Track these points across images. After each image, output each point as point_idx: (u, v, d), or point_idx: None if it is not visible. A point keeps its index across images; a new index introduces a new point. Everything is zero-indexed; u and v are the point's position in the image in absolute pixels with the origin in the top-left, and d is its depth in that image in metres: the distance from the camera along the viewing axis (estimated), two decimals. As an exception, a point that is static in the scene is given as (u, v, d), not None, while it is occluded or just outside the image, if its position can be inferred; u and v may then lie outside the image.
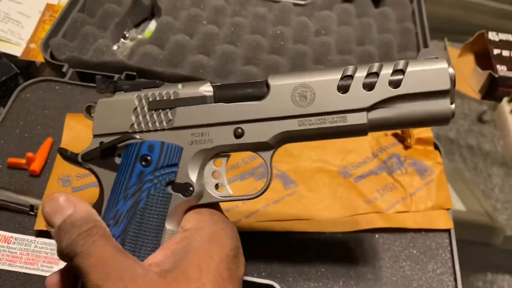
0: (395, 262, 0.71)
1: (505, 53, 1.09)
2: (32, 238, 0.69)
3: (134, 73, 0.88)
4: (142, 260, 0.43)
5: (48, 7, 1.10)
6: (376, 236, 0.73)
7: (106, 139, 0.47)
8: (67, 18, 0.99)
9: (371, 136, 0.83)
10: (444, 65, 0.44)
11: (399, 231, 0.74)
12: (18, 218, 0.70)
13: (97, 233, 0.41)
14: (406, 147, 0.81)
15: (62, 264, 0.66)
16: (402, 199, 0.76)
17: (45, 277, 0.64)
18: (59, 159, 0.76)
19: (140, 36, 1.05)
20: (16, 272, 0.66)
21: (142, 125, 0.46)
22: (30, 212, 0.70)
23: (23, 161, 0.75)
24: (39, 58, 1.00)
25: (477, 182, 1.02)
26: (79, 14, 1.00)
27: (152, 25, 1.07)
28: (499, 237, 0.96)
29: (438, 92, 0.44)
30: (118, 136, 0.47)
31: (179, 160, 0.46)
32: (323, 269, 0.69)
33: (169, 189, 0.45)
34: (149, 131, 0.46)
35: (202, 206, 0.47)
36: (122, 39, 1.03)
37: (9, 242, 0.68)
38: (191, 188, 0.45)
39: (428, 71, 0.44)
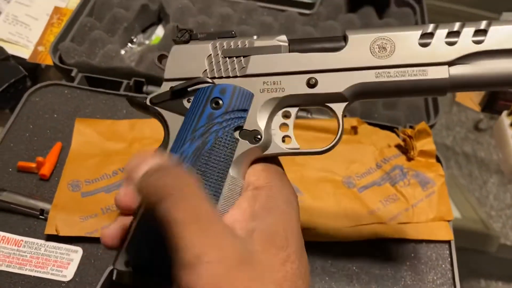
0: (397, 272, 0.73)
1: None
2: (42, 242, 0.70)
3: (143, 80, 0.89)
4: None
5: (56, 10, 1.11)
6: (379, 246, 0.75)
7: (176, 84, 0.47)
8: (76, 22, 1.00)
9: (375, 146, 0.84)
10: None
11: (401, 241, 0.75)
12: (28, 221, 0.72)
13: (192, 178, 0.36)
14: (409, 159, 0.83)
15: (72, 268, 0.68)
16: (404, 210, 0.77)
17: (55, 281, 0.66)
18: (68, 163, 0.77)
19: (147, 42, 1.06)
20: (26, 275, 0.67)
21: (215, 71, 0.46)
22: (40, 216, 0.71)
23: (33, 165, 0.76)
24: (47, 61, 1.01)
25: (472, 189, 1.04)
26: (88, 18, 1.01)
27: (159, 30, 1.08)
28: (494, 245, 0.98)
29: None
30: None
31: (249, 106, 0.45)
32: (326, 278, 0.71)
33: (237, 134, 0.45)
34: (221, 77, 0.46)
35: (268, 158, 0.46)
36: (129, 44, 1.04)
37: (19, 245, 0.69)
38: (259, 136, 0.45)
39: None
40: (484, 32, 0.43)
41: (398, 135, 0.86)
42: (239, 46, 0.47)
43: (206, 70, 0.47)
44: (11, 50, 1.02)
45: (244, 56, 0.46)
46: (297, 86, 0.45)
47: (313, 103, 0.47)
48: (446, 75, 0.44)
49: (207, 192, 0.42)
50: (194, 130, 0.44)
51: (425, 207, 0.78)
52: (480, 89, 0.47)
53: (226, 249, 0.33)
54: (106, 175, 0.77)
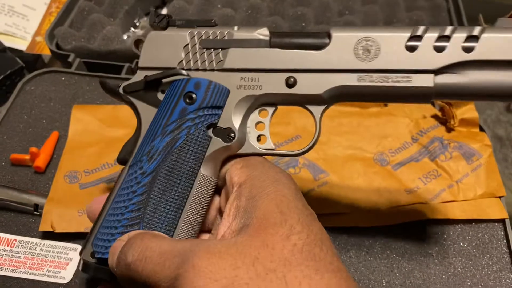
0: (444, 258, 0.62)
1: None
2: (37, 240, 0.62)
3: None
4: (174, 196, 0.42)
5: (54, -2, 1.04)
6: (421, 229, 0.65)
7: (151, 73, 0.45)
8: (74, 7, 0.93)
9: (409, 118, 0.74)
10: None
11: (446, 223, 0.65)
12: (22, 218, 0.64)
13: (146, 233, 0.39)
14: (449, 129, 0.73)
15: (71, 269, 0.60)
16: (448, 187, 0.67)
17: (52, 283, 0.58)
18: (65, 154, 0.69)
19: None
20: (20, 278, 0.59)
21: (191, 62, 0.45)
22: (35, 212, 0.63)
23: (27, 157, 0.68)
24: (46, 51, 0.94)
25: (508, 174, 0.94)
26: (86, 2, 0.94)
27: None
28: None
29: None
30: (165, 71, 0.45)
31: (224, 102, 0.44)
32: (362, 269, 0.61)
33: (210, 132, 0.43)
34: (197, 69, 0.45)
35: (241, 157, 0.44)
36: (132, 28, 0.97)
37: (12, 245, 0.62)
38: (233, 134, 0.43)
39: (507, 38, 0.40)
40: (475, 39, 0.41)
41: (433, 104, 0.76)
42: (218, 37, 0.45)
43: (182, 60, 0.45)
44: (8, 42, 0.96)
45: (222, 49, 0.44)
46: (275, 84, 0.44)
47: (291, 103, 0.45)
48: (430, 84, 0.42)
49: (176, 186, 0.42)
50: (166, 125, 0.43)
51: (471, 183, 0.68)
52: (467, 99, 0.47)
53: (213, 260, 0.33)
54: (108, 164, 0.69)
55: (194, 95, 0.43)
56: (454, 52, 0.41)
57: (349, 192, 0.66)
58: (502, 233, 0.65)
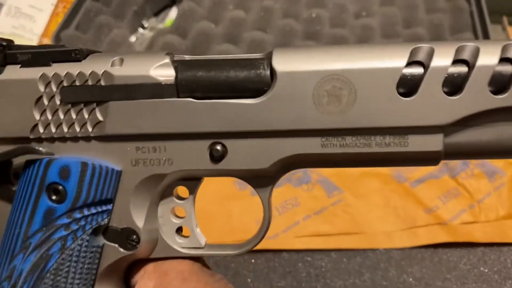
0: (463, 284, 0.59)
1: None
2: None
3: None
4: None
5: (62, -2, 1.02)
6: (439, 252, 0.62)
7: None
8: (81, 8, 0.90)
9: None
10: None
11: (466, 245, 0.62)
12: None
13: None
14: (471, 145, 0.69)
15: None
16: (468, 207, 0.64)
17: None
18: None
19: (160, 26, 0.96)
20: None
21: (52, 127, 0.29)
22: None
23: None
24: (52, 54, 0.92)
25: None
26: (94, 3, 0.91)
27: (173, 13, 0.98)
28: None
29: None
30: (11, 145, 0.29)
31: (114, 192, 0.29)
32: (377, 293, 0.59)
33: (100, 238, 0.29)
34: (63, 139, 0.29)
35: (155, 261, 0.31)
36: (140, 29, 0.94)
37: None
38: (135, 236, 0.29)
39: None
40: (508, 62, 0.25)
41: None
42: (89, 81, 0.28)
43: (36, 125, 0.29)
44: (14, 44, 0.94)
45: (99, 103, 0.28)
46: (194, 157, 0.29)
47: (223, 175, 0.30)
48: (438, 147, 0.27)
49: None
50: (27, 236, 0.28)
51: (494, 203, 0.64)
52: (485, 157, 0.30)
53: None
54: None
55: (61, 187, 0.28)
56: (479, 93, 0.26)
57: (364, 211, 0.64)
58: (526, 257, 0.62)
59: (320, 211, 0.64)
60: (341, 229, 0.62)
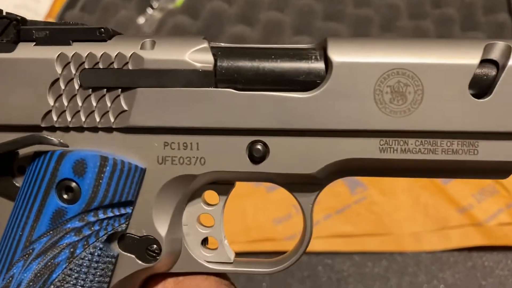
0: (500, 292, 0.55)
1: None
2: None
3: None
4: None
5: (67, -24, 0.98)
6: (474, 256, 0.58)
7: None
8: (86, -13, 0.86)
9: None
10: None
11: (504, 249, 0.58)
12: None
13: None
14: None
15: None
16: (506, 207, 0.60)
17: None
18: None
19: (170, 6, 0.91)
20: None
21: (68, 115, 0.26)
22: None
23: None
24: (57, 36, 0.88)
25: None
26: (100, -18, 0.87)
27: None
28: None
29: None
30: (20, 133, 0.26)
31: (136, 194, 0.25)
32: (404, 301, 0.54)
33: (114, 247, 0.26)
34: (80, 129, 0.26)
35: (176, 276, 0.28)
36: (149, 10, 0.90)
37: None
38: (155, 246, 0.26)
39: None
40: None
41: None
42: (115, 64, 0.25)
43: (49, 111, 0.25)
44: (18, 25, 0.90)
45: (124, 89, 0.25)
46: (231, 157, 0.25)
47: (262, 180, 0.28)
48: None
49: None
50: (30, 241, 0.25)
51: (535, 202, 0.60)
52: None
53: None
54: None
55: (74, 185, 0.25)
56: None
57: (391, 210, 0.60)
58: None
59: (342, 210, 0.60)
60: (365, 230, 0.59)
